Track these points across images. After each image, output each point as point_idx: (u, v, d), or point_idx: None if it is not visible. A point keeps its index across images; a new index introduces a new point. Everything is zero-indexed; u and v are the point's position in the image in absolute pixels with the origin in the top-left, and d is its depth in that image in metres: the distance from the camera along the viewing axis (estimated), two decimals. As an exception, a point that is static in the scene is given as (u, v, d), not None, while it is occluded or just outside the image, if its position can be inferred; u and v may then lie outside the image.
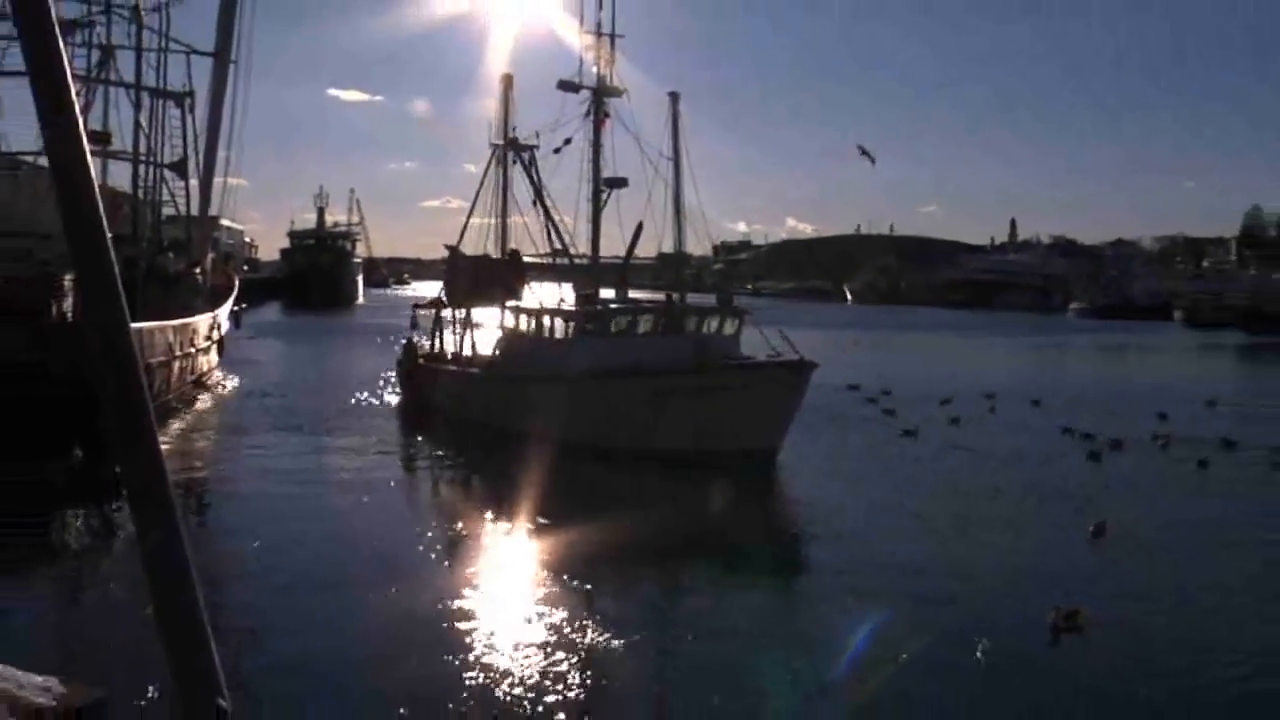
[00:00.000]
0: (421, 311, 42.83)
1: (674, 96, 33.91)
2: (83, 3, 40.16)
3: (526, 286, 37.20)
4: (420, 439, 33.18)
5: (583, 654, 13.89)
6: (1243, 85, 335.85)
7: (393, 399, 40.38)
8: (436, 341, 41.25)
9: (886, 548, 20.04)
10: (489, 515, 22.44)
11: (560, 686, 12.80)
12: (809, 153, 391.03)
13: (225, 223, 58.92)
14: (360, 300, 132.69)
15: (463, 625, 14.83)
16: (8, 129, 40.78)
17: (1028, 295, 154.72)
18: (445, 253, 42.30)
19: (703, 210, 47.50)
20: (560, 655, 13.73)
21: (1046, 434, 33.59)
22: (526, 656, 13.74)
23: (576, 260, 35.64)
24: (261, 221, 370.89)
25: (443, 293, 41.08)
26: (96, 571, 17.97)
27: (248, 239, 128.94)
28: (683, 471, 25.13)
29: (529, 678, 13.03)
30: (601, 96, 33.94)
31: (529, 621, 15.18)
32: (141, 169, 41.90)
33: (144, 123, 41.21)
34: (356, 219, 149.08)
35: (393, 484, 27.02)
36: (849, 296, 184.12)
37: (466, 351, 39.15)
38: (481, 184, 39.96)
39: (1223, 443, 31.37)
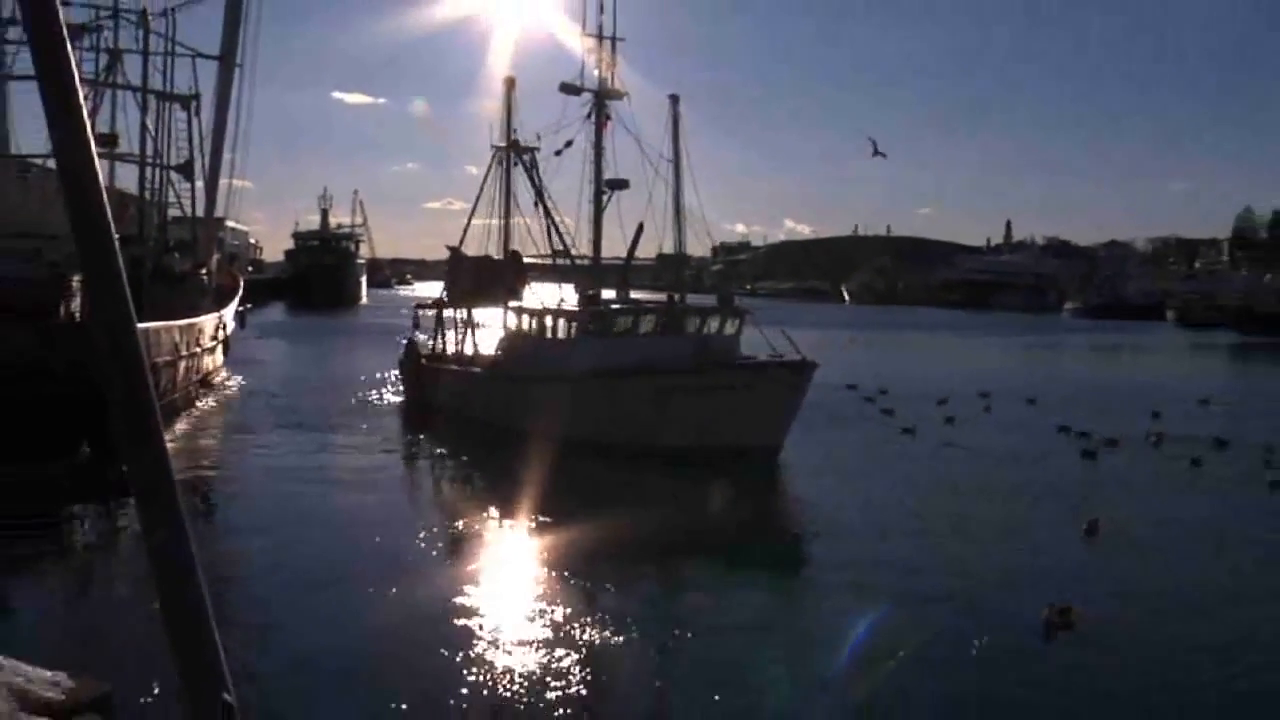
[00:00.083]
0: (424, 312, 43.00)
1: (674, 99, 34.15)
2: (91, 8, 40.39)
3: (527, 287, 37.52)
4: (423, 437, 33.35)
5: (585, 650, 14.04)
6: (1235, 88, 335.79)
7: (396, 398, 40.56)
8: (439, 341, 41.51)
9: (884, 545, 20.28)
10: (491, 513, 22.54)
11: (562, 683, 12.96)
12: (807, 155, 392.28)
13: (230, 224, 58.97)
14: (364, 300, 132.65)
15: (466, 622, 14.96)
16: (17, 132, 41.00)
17: (1023, 295, 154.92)
18: (447, 253, 42.60)
19: (702, 211, 47.95)
20: (562, 651, 13.88)
21: (1041, 432, 33.84)
22: (529, 653, 13.90)
23: (577, 261, 35.88)
24: (266, 223, 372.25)
25: (445, 293, 41.44)
26: (103, 569, 18.20)
27: (252, 240, 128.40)
28: (684, 470, 25.28)
29: (532, 674, 13.18)
30: (603, 99, 34.11)
31: (531, 618, 15.34)
32: (148, 171, 42.08)
33: (150, 125, 41.41)
34: (360, 220, 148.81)
35: (396, 482, 27.30)
36: (846, 297, 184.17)
37: (468, 351, 39.50)
38: (483, 185, 40.20)
39: (1215, 441, 31.62)
